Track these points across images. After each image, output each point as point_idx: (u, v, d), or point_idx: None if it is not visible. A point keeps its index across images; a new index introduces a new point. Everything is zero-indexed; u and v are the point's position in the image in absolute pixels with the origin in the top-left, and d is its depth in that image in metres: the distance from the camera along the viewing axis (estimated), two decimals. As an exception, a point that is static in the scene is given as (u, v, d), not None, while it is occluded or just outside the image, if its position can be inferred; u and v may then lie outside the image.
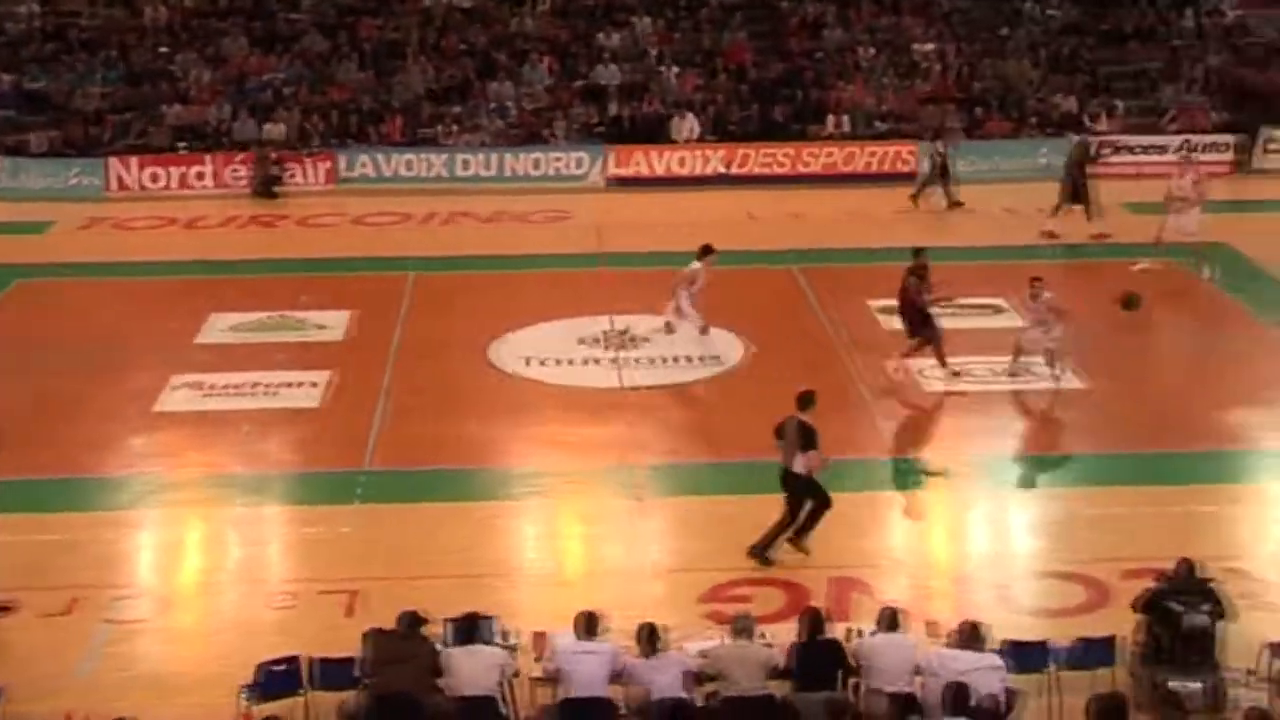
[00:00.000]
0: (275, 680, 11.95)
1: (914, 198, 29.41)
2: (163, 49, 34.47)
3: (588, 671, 11.63)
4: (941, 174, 29.27)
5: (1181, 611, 12.34)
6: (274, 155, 31.37)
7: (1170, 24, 36.25)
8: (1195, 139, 32.08)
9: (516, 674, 12.04)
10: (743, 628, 11.99)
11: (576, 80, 34.19)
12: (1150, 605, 12.59)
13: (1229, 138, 32.60)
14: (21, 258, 26.40)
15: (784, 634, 12.37)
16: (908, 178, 31.06)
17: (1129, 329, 21.55)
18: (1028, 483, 17.63)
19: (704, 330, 21.00)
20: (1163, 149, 32.16)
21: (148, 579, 15.45)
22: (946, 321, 20.15)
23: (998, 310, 22.09)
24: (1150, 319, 22.61)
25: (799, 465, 14.80)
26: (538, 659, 12.23)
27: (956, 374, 19.86)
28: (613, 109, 33.43)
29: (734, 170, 31.92)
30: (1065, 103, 33.62)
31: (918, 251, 20.44)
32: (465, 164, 31.97)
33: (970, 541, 16.38)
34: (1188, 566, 12.75)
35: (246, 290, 24.22)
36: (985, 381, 19.95)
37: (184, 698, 12.74)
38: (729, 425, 19.18)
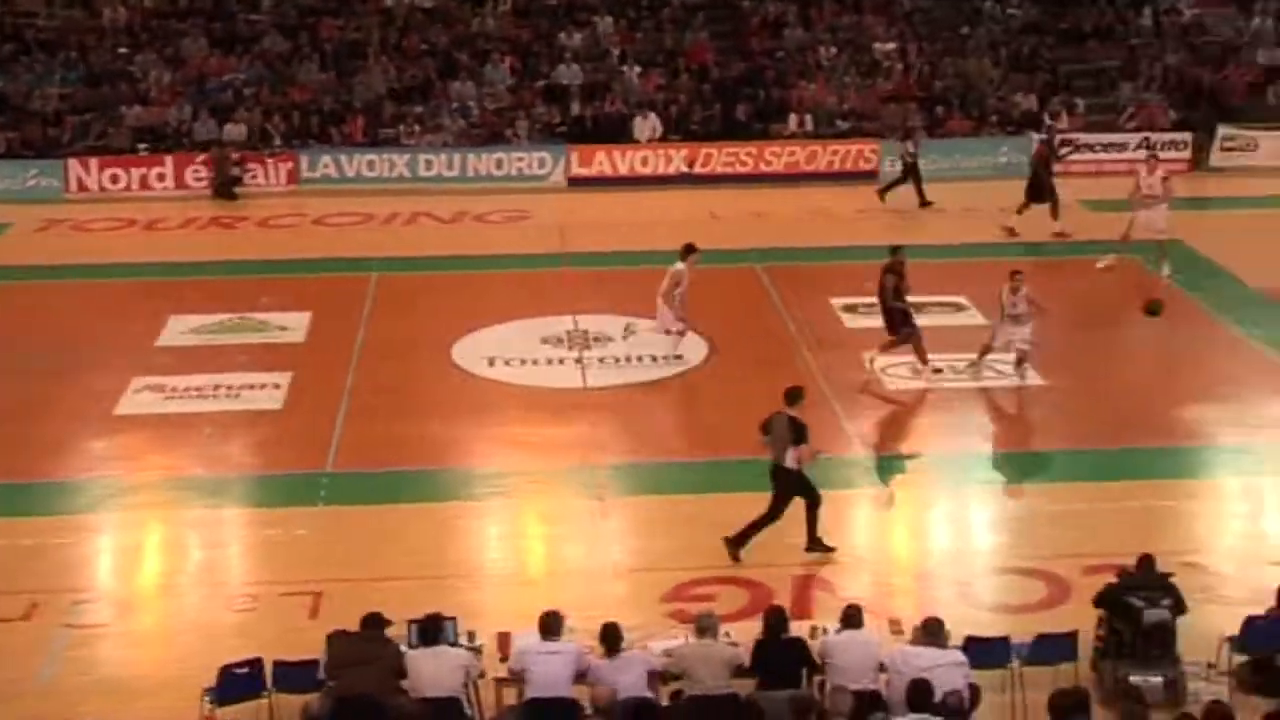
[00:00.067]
0: (237, 683, 11.90)
1: (881, 193, 29.54)
2: (122, 50, 34.22)
3: (552, 672, 11.63)
4: (911, 174, 29.40)
5: (1142, 606, 12.44)
6: (234, 156, 31.21)
7: (1128, 23, 36.51)
8: (1154, 137, 32.30)
9: (481, 675, 12.04)
10: (706, 626, 12.01)
11: (538, 80, 34.15)
12: (1111, 600, 12.68)
13: (1186, 135, 32.81)
14: (-20, 260, 26.25)
15: (747, 632, 12.40)
16: (870, 176, 31.20)
17: (1089, 326, 21.69)
18: (989, 479, 17.72)
19: (682, 333, 20.75)
20: (1122, 147, 32.42)
21: (108, 583, 15.35)
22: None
23: (959, 308, 22.20)
24: (1109, 316, 22.80)
25: (790, 460, 14.86)
26: (502, 659, 12.23)
27: (938, 371, 19.93)
28: (575, 109, 33.41)
29: (696, 170, 31.95)
30: (1025, 101, 33.80)
31: (895, 249, 20.47)
32: (427, 164, 31.89)
33: (932, 538, 16.46)
34: (1148, 562, 12.86)
35: (207, 292, 24.11)
36: (948, 379, 20.04)
37: (145, 702, 12.68)
38: (692, 424, 19.24)
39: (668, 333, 20.69)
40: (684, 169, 31.96)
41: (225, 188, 30.75)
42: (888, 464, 18.04)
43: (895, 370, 20.12)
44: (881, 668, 11.74)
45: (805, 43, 35.38)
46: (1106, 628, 12.68)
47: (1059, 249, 26.20)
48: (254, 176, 31.32)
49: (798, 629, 12.31)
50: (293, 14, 35.26)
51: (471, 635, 12.50)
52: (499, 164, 31.99)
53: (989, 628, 12.93)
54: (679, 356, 20.74)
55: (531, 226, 28.66)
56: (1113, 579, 12.92)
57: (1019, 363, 19.74)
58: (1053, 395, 19.78)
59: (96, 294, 24.62)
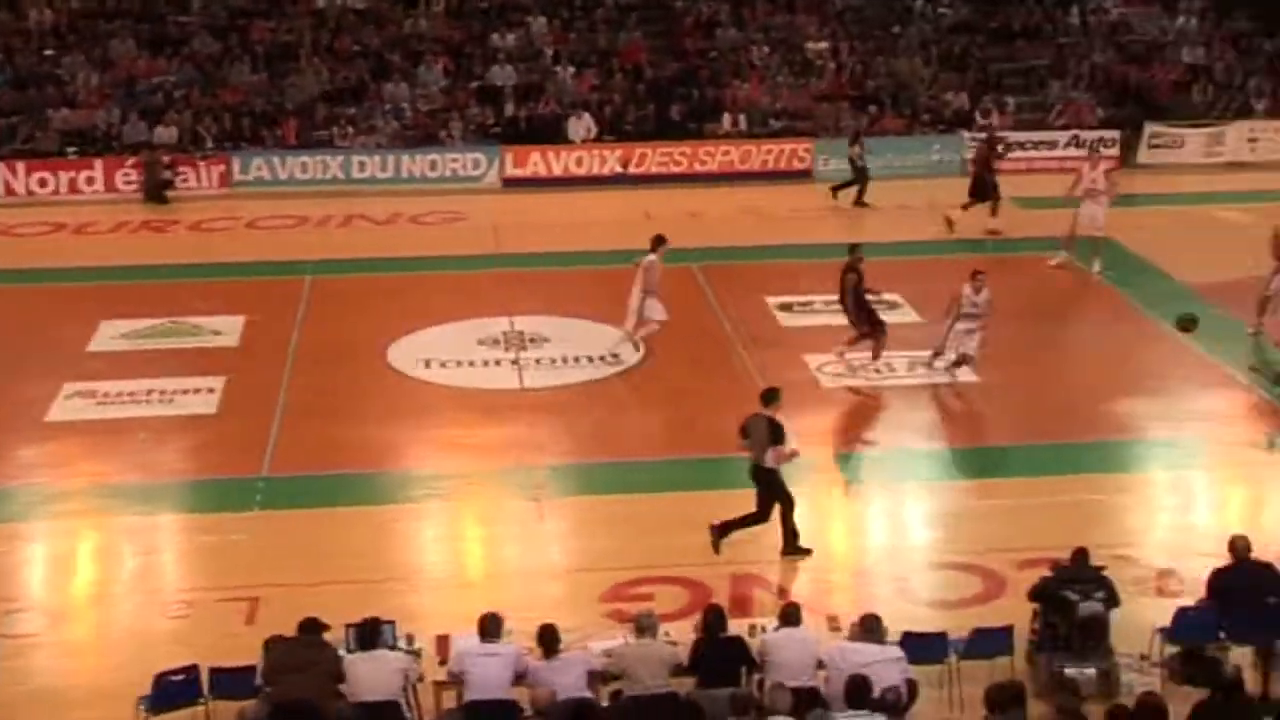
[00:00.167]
0: (173, 690, 11.81)
1: (834, 191, 29.76)
2: (49, 52, 33.82)
3: (491, 674, 11.62)
4: (860, 176, 29.61)
5: (1076, 599, 12.57)
6: (165, 159, 30.91)
7: (1057, 22, 36.91)
8: (1083, 135, 32.68)
9: (420, 678, 12.01)
10: (645, 626, 12.03)
11: (472, 81, 34.07)
12: (1045, 594, 12.82)
13: (1114, 133, 33.20)
14: (-95, 266, 25.84)
15: (686, 631, 12.44)
16: (804, 175, 31.39)
17: (1020, 323, 21.88)
18: (924, 476, 17.82)
19: (632, 333, 20.66)
20: (1051, 145, 32.78)
21: (41, 592, 15.16)
22: (844, 318, 20.34)
23: (893, 306, 22.34)
24: (1040, 312, 23.03)
25: (770, 460, 14.97)
26: (441, 662, 12.21)
27: (878, 371, 20.05)
28: (508, 109, 33.36)
29: (631, 170, 31.98)
30: (957, 100, 34.10)
31: (853, 248, 20.59)
32: (361, 166, 31.75)
33: (868, 535, 16.58)
34: (1081, 555, 13.00)
35: (139, 296, 23.86)
36: (882, 377, 20.17)
37: (80, 712, 12.56)
38: (628, 424, 19.25)
39: (660, 324, 20.61)
40: (619, 169, 31.98)
41: (156, 191, 30.45)
42: (824, 461, 18.11)
43: (830, 368, 20.22)
44: (820, 665, 11.80)
45: (738, 42, 35.51)
46: (1041, 621, 12.82)
47: (993, 246, 26.41)
48: (185, 180, 31.02)
49: (736, 627, 12.35)
50: (223, 15, 34.97)
51: (410, 638, 12.45)
52: (433, 165, 31.89)
53: (926, 623, 13.03)
54: (616, 356, 20.77)
55: (466, 228, 28.59)
56: (1047, 573, 13.07)
57: (957, 363, 19.86)
58: (985, 392, 19.94)
59: (26, 299, 24.32)
